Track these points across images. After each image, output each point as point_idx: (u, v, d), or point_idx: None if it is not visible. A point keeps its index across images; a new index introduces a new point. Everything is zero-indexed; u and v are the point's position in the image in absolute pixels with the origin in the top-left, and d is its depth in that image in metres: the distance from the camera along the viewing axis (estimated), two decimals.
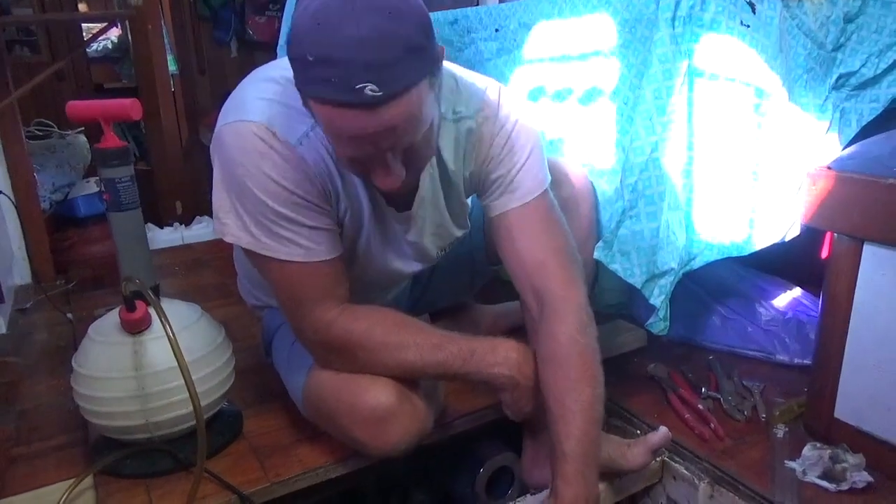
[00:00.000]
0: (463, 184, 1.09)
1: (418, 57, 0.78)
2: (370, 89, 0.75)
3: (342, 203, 1.00)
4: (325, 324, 0.99)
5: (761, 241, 1.21)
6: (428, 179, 1.04)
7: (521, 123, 1.06)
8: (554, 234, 1.07)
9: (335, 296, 1.00)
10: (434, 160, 1.02)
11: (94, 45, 3.63)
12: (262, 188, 0.91)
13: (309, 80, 0.78)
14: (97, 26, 3.04)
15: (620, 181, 1.19)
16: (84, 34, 3.34)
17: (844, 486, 1.04)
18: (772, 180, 1.19)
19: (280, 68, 0.96)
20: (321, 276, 0.98)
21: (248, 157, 0.91)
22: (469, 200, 1.18)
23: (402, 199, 1.03)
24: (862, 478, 1.04)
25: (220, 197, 0.96)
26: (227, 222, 0.95)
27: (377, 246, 1.08)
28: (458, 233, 1.16)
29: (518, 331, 1.14)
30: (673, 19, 1.13)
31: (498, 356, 1.01)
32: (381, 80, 0.75)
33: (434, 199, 1.08)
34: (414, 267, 1.16)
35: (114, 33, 3.64)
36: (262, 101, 0.93)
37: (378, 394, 0.99)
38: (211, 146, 0.96)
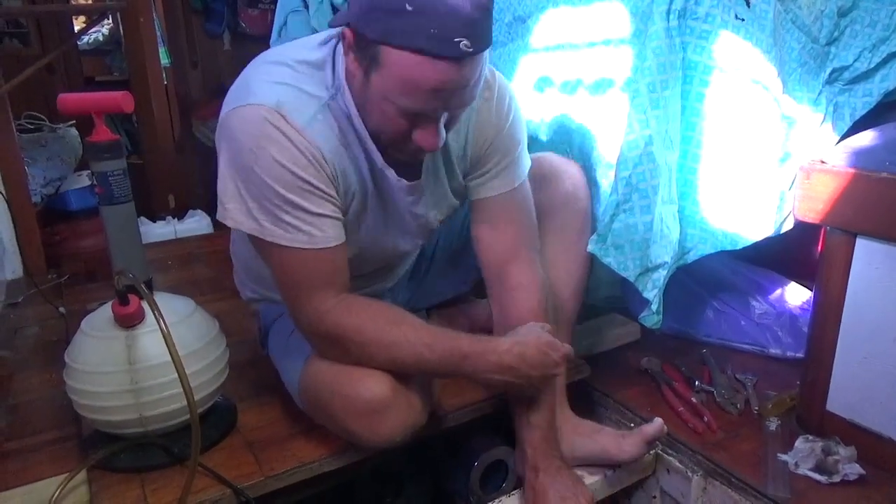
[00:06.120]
0: (461, 161, 1.11)
1: (493, 20, 0.85)
2: (464, 44, 0.81)
3: (350, 182, 1.00)
4: (320, 314, 0.99)
5: (756, 233, 1.21)
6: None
7: (518, 110, 1.11)
8: (528, 223, 1.14)
9: (334, 284, 1.00)
10: None
11: (85, 38, 3.59)
12: (270, 172, 0.91)
13: (400, 30, 0.81)
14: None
15: (615, 174, 1.19)
16: (75, 26, 3.31)
17: (836, 479, 1.05)
18: (783, 173, 1.20)
19: (289, 53, 0.98)
20: (322, 264, 0.98)
21: (256, 142, 0.90)
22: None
23: (411, 169, 1.05)
24: (853, 470, 1.05)
25: (224, 182, 0.95)
26: (229, 207, 0.95)
27: (379, 224, 1.09)
28: (456, 202, 1.18)
29: None
30: (668, 13, 1.13)
31: (490, 363, 1.00)
32: (474, 37, 0.81)
33: (435, 170, 1.09)
34: (413, 243, 1.19)
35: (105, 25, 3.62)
36: (272, 84, 0.93)
37: (373, 386, 0.99)
38: (216, 133, 0.96)
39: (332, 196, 0.97)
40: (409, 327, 1.01)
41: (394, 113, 0.89)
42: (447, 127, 0.93)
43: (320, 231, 0.96)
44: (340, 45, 0.97)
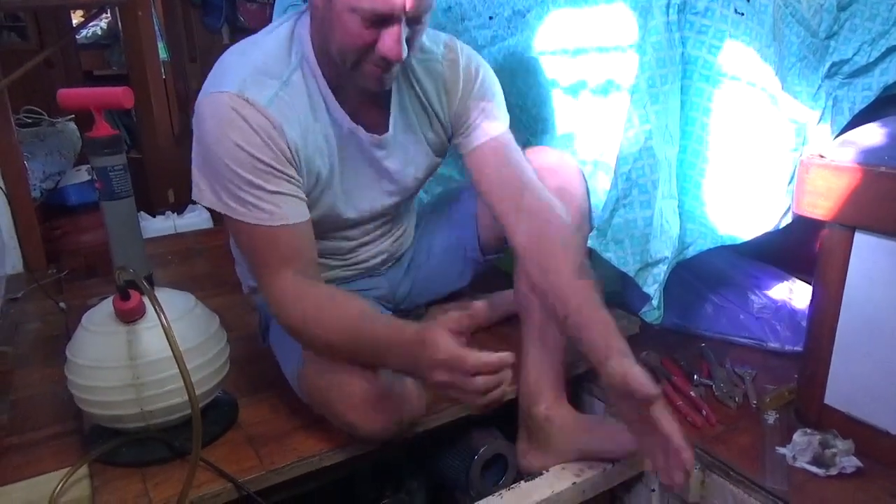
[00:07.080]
0: (442, 117, 1.17)
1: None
2: None
3: (318, 149, 1.06)
4: (277, 296, 1.02)
5: (756, 229, 1.22)
6: (397, 103, 1.13)
7: (488, 70, 1.18)
8: (526, 164, 1.15)
9: (296, 262, 1.02)
10: (403, 86, 1.13)
11: (84, 32, 3.58)
12: (228, 155, 0.97)
13: None
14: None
15: (615, 170, 1.19)
16: (73, 20, 3.30)
17: (834, 472, 1.06)
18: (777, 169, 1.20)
19: (257, 36, 1.06)
20: (283, 241, 1.01)
21: (218, 128, 0.97)
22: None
23: (378, 121, 1.12)
24: (851, 463, 1.06)
25: (196, 164, 1.02)
26: (203, 188, 1.02)
27: (352, 183, 1.13)
28: (437, 159, 1.23)
29: (511, 319, 1.14)
30: (667, 7, 1.13)
31: (403, 357, 0.94)
32: None
33: (407, 122, 1.15)
34: (393, 199, 1.21)
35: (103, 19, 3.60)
36: (237, 68, 1.00)
37: (369, 377, 1.00)
38: (192, 118, 1.02)
39: (289, 175, 1.01)
40: (347, 313, 0.99)
41: (357, 25, 0.93)
42: (408, 44, 0.96)
43: (278, 208, 1.00)
44: (304, 13, 1.05)
